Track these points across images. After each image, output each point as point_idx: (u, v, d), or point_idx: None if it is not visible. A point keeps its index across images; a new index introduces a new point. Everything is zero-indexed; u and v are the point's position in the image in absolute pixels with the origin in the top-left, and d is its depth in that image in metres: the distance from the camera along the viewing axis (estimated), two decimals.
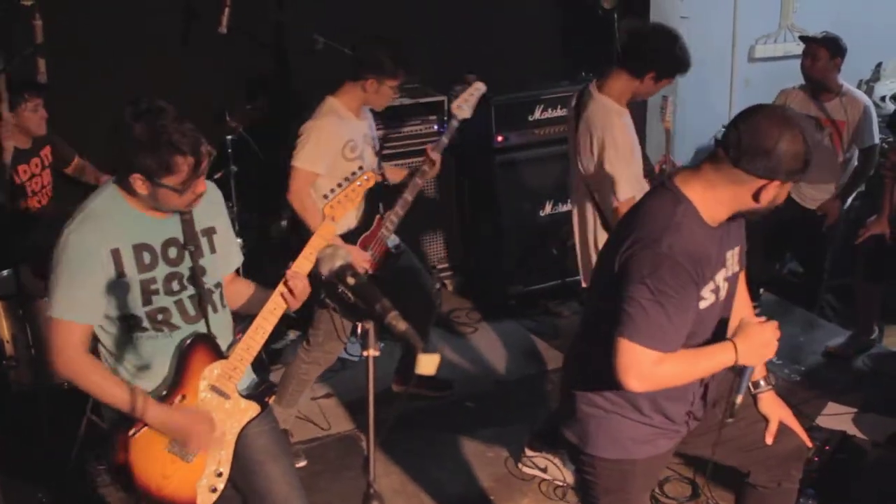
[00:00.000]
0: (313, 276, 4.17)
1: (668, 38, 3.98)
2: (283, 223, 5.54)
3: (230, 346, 2.94)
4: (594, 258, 4.15)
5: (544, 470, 4.25)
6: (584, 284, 4.30)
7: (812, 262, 5.80)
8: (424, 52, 5.87)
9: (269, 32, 5.76)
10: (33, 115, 4.65)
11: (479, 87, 4.53)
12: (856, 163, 5.43)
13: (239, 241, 5.06)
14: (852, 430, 4.47)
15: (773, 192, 2.54)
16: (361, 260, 4.25)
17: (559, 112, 5.90)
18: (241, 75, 5.61)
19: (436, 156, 4.38)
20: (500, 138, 5.84)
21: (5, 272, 4.55)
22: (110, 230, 2.72)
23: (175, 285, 2.83)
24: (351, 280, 1.99)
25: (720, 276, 2.69)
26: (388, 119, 5.55)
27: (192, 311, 2.87)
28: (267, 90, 5.65)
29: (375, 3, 5.79)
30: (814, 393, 4.85)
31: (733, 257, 2.78)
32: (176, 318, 2.84)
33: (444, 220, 6.17)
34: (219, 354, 2.89)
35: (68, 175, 5.07)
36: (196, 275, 2.85)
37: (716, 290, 2.68)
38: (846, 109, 5.34)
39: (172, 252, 2.82)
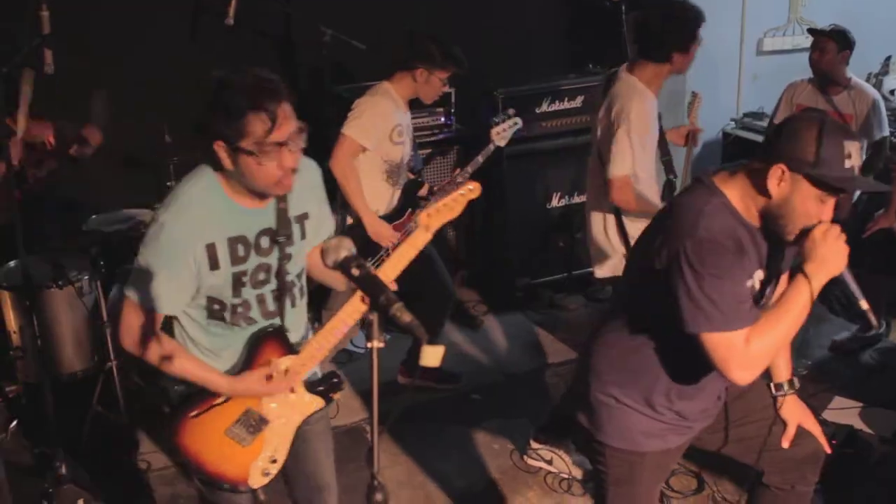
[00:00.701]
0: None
1: (668, 15, 3.93)
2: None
3: (302, 341, 2.88)
4: (607, 248, 4.13)
5: (550, 462, 4.26)
6: (596, 274, 4.26)
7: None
8: None
9: (276, 24, 5.75)
10: (39, 128, 4.64)
11: (517, 122, 4.81)
12: (864, 156, 5.41)
13: None
14: (859, 424, 4.47)
15: (778, 183, 2.45)
16: (391, 237, 4.44)
17: (566, 104, 5.90)
18: (249, 66, 5.59)
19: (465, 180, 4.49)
20: None
21: (12, 263, 4.56)
22: (207, 224, 2.61)
23: (261, 276, 2.75)
24: (356, 271, 1.99)
25: (756, 277, 2.61)
26: None
27: (271, 305, 2.80)
28: None
29: None
30: (820, 387, 4.85)
31: (777, 261, 2.72)
32: (254, 312, 2.77)
33: None
34: (290, 349, 2.81)
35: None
36: (282, 267, 2.77)
37: (751, 290, 2.60)
38: (854, 103, 5.33)
39: (264, 242, 2.73)
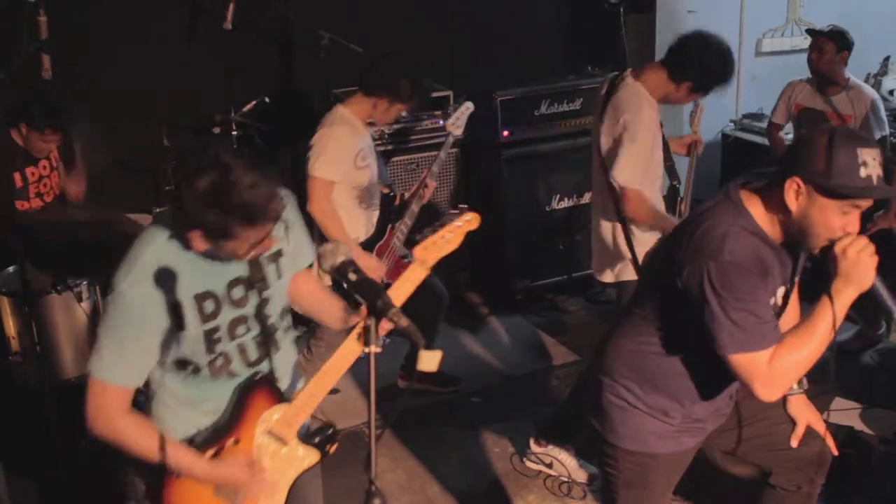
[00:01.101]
0: (334, 284, 4.21)
1: (719, 55, 3.89)
2: None
3: (291, 390, 2.74)
4: (614, 253, 4.12)
5: (549, 465, 4.25)
6: (602, 279, 4.25)
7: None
8: (431, 47, 5.86)
9: (274, 28, 5.75)
10: (42, 144, 4.65)
11: (468, 107, 4.65)
12: None
13: None
14: (859, 425, 4.45)
15: (796, 197, 2.45)
16: (378, 269, 4.31)
17: (565, 107, 5.89)
18: (247, 71, 5.60)
19: (431, 182, 4.48)
20: (505, 133, 5.82)
21: (11, 269, 4.56)
22: (170, 283, 2.43)
23: (240, 329, 2.58)
24: (353, 276, 1.99)
25: (779, 294, 2.64)
26: None
27: (253, 354, 2.63)
28: (272, 86, 5.65)
29: None
30: (821, 388, 4.82)
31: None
32: (236, 364, 2.60)
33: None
34: (280, 398, 2.65)
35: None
36: (261, 312, 2.61)
37: (774, 307, 2.63)
38: (853, 103, 5.33)
39: (237, 293, 2.55)
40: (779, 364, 2.50)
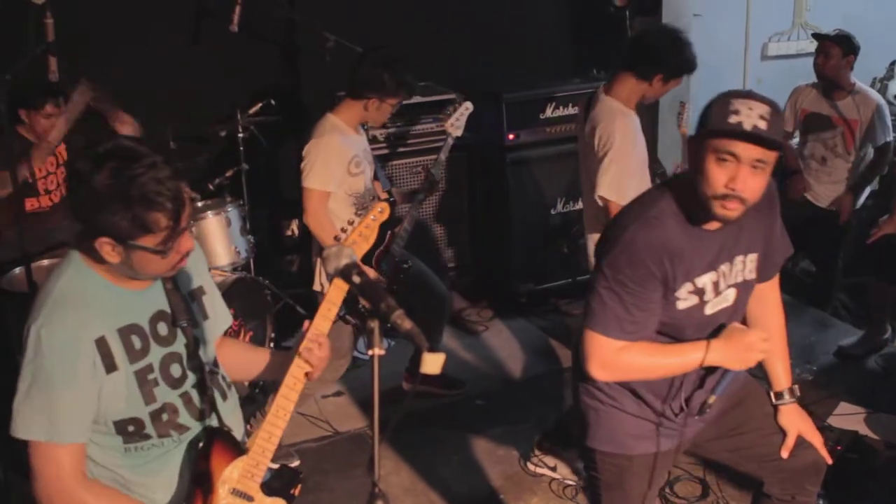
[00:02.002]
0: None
1: (673, 38, 3.94)
2: (295, 230, 5.58)
3: (245, 439, 2.56)
4: None
5: (554, 469, 4.25)
6: None
7: (825, 261, 5.78)
8: (436, 50, 5.87)
9: (280, 31, 5.77)
10: (46, 121, 4.65)
11: (468, 107, 4.67)
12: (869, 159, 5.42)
13: (250, 238, 5.08)
14: (864, 430, 4.45)
15: (691, 154, 2.52)
16: (373, 275, 4.30)
17: (570, 110, 5.89)
18: (253, 73, 5.61)
19: (434, 179, 4.50)
20: (511, 136, 5.83)
21: (17, 270, 4.56)
22: (88, 315, 2.20)
23: (175, 370, 2.36)
24: (357, 279, 1.99)
25: (706, 279, 2.62)
26: (399, 117, 5.56)
27: (199, 403, 2.42)
28: (278, 88, 5.66)
29: (387, 2, 5.79)
30: (825, 392, 4.83)
31: (744, 264, 2.71)
32: (184, 417, 2.39)
33: (456, 217, 6.16)
34: (238, 450, 2.45)
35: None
36: (195, 355, 2.40)
37: (698, 293, 2.62)
38: (859, 108, 5.33)
39: (162, 329, 2.34)
40: (629, 357, 2.59)
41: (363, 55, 4.33)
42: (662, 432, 2.82)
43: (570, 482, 4.20)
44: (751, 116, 2.38)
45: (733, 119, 2.39)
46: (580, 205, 5.94)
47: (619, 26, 6.28)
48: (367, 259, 4.25)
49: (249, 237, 5.08)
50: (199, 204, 5.01)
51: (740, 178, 2.41)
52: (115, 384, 2.22)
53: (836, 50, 5.30)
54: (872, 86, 6.29)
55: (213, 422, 2.45)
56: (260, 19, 5.37)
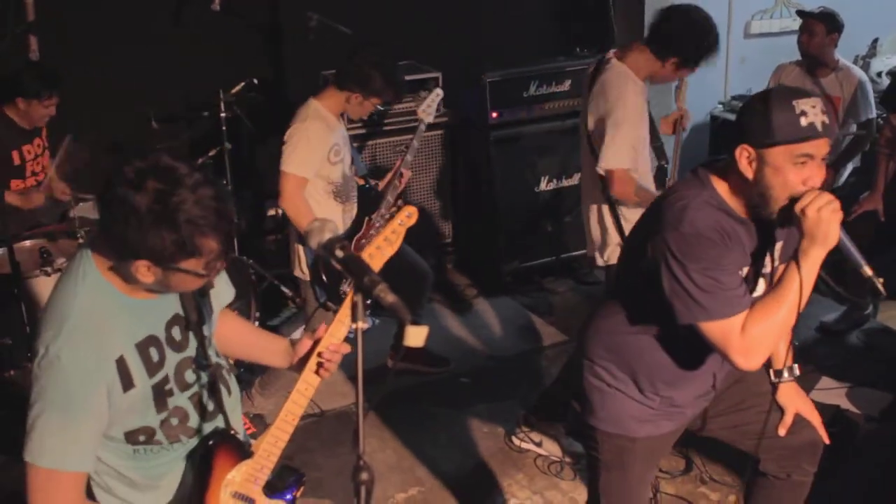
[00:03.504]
0: (314, 278, 4.20)
1: (700, 28, 3.90)
2: (279, 210, 5.57)
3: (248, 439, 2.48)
4: (605, 236, 4.14)
5: (539, 444, 4.27)
6: (597, 263, 4.25)
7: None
8: (419, 29, 5.86)
9: (262, 9, 5.74)
10: (44, 111, 4.64)
11: (438, 93, 4.65)
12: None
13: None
14: (846, 404, 4.49)
15: (749, 164, 2.46)
16: None
17: (554, 88, 5.89)
18: (235, 53, 5.59)
19: (406, 171, 4.45)
20: (494, 115, 5.82)
21: (0, 250, 4.54)
22: (110, 334, 2.10)
23: (189, 375, 2.29)
24: (339, 252, 1.99)
25: (747, 271, 2.60)
26: None
27: (209, 404, 2.35)
28: (260, 68, 5.64)
29: None
30: (808, 367, 4.85)
31: (773, 255, 2.71)
32: (193, 420, 2.32)
33: (440, 196, 6.16)
34: (242, 453, 2.39)
35: None
36: (205, 353, 2.32)
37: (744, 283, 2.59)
38: (842, 85, 5.35)
39: (176, 333, 2.26)
40: (752, 331, 2.47)
41: (358, 48, 4.27)
42: (667, 416, 2.83)
43: (555, 458, 4.23)
44: (817, 114, 2.39)
45: (805, 122, 2.38)
46: (565, 183, 5.98)
47: (604, 5, 6.27)
48: None
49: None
50: None
51: (817, 175, 2.44)
52: (130, 401, 2.14)
53: (820, 28, 5.31)
54: (854, 63, 6.31)
55: (220, 422, 2.39)
56: None
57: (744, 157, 2.46)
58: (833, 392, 4.60)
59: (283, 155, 4.12)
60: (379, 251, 2.50)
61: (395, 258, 4.38)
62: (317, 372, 2.38)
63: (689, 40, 3.89)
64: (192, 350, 2.29)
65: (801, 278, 2.44)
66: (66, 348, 2.03)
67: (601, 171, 3.92)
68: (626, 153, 3.89)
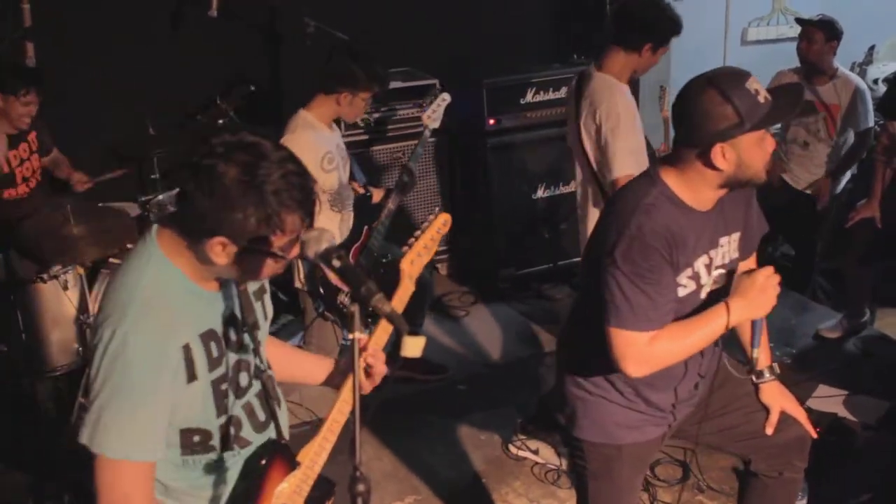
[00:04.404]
0: (312, 288, 4.18)
1: (655, 4, 3.97)
2: None
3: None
4: None
5: (536, 452, 4.26)
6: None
7: (804, 245, 5.81)
8: (417, 35, 5.86)
9: (260, 16, 5.73)
10: (23, 108, 4.61)
11: (445, 98, 4.67)
12: (850, 144, 5.45)
13: None
14: (843, 412, 4.49)
15: (725, 158, 2.48)
16: None
17: (551, 95, 5.89)
18: (233, 58, 5.59)
19: (411, 171, 4.47)
20: (492, 121, 5.82)
21: None
22: (176, 320, 2.03)
23: (243, 378, 2.22)
24: (336, 262, 1.99)
25: (700, 263, 2.64)
26: (379, 102, 5.54)
27: (262, 414, 2.29)
28: (258, 74, 5.63)
29: None
30: (805, 375, 4.86)
31: (729, 244, 2.73)
32: (246, 430, 2.25)
33: (437, 203, 6.16)
34: (292, 464, 2.31)
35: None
36: (260, 360, 2.26)
37: (695, 278, 2.64)
38: (839, 93, 5.36)
39: (232, 333, 2.18)
40: (659, 348, 2.54)
41: (332, 50, 4.29)
42: (652, 421, 2.83)
43: (552, 466, 4.22)
44: (760, 86, 2.48)
45: (762, 99, 2.46)
46: (562, 190, 5.98)
47: (600, 11, 6.27)
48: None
49: None
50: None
51: (771, 140, 2.55)
52: (192, 395, 2.07)
53: (819, 35, 5.31)
54: (851, 70, 6.31)
55: (272, 433, 2.33)
56: (240, 4, 5.34)
57: (719, 156, 2.49)
58: (830, 400, 4.60)
59: None
60: (419, 258, 2.52)
61: (395, 269, 4.38)
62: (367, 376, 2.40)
63: (650, 20, 3.94)
64: (247, 353, 2.23)
65: (725, 325, 2.58)
66: (132, 333, 1.97)
67: (614, 182, 3.94)
68: (628, 158, 3.91)
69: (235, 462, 2.26)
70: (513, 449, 4.32)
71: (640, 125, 4.04)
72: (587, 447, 2.85)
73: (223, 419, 2.17)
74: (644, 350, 2.53)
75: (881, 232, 4.96)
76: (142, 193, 5.08)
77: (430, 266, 5.91)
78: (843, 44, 5.42)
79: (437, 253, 6.27)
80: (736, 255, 2.78)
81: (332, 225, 4.29)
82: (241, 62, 5.62)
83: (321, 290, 4.13)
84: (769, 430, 2.96)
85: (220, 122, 5.16)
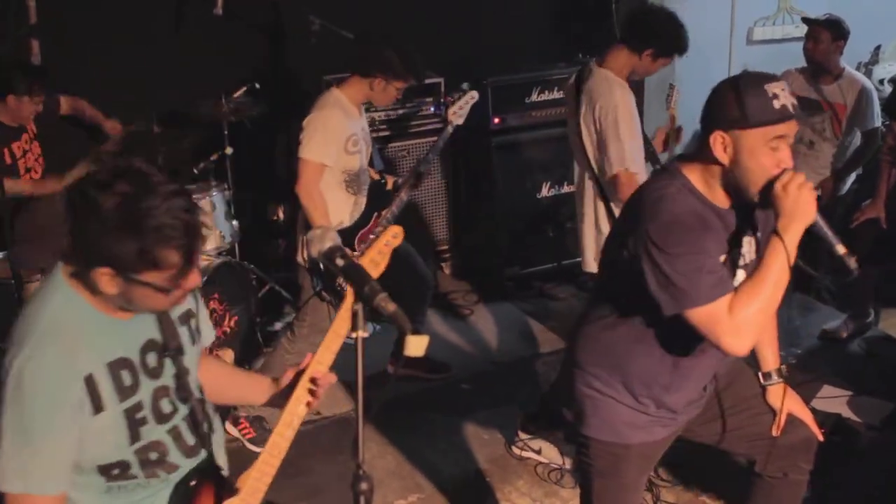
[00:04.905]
0: (309, 267, 4.19)
1: (667, 17, 4.04)
2: (280, 215, 5.56)
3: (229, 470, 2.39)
4: (596, 237, 4.14)
5: (538, 452, 4.26)
6: (584, 269, 4.28)
7: (809, 246, 5.79)
8: (421, 33, 5.84)
9: (265, 14, 5.73)
10: (32, 108, 4.63)
11: (473, 96, 4.66)
12: (857, 144, 5.44)
13: (235, 222, 5.06)
14: (847, 412, 4.48)
15: (724, 150, 2.47)
16: None
17: (556, 94, 5.89)
18: (238, 57, 5.58)
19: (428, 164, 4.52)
20: (496, 120, 5.82)
21: (0, 254, 4.53)
22: (79, 349, 1.99)
23: (166, 406, 2.17)
24: (340, 261, 1.98)
25: (725, 260, 2.61)
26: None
27: (190, 439, 2.24)
28: (263, 72, 5.63)
29: None
30: (809, 375, 4.85)
31: (750, 244, 2.70)
32: (174, 455, 2.20)
33: (441, 202, 6.16)
34: (228, 491, 2.24)
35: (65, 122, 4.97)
36: (183, 385, 2.20)
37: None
38: (844, 93, 5.35)
39: (151, 360, 2.14)
40: (742, 313, 2.45)
41: (376, 35, 4.31)
42: (660, 422, 2.82)
43: (556, 465, 4.21)
44: (787, 97, 2.44)
45: (777, 104, 2.42)
46: (566, 189, 5.97)
47: (605, 10, 6.27)
48: (349, 240, 4.23)
49: (234, 222, 5.06)
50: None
51: (788, 156, 2.47)
52: (100, 426, 2.03)
53: (825, 35, 5.30)
54: (857, 70, 6.30)
55: (204, 457, 2.28)
56: (245, 2, 5.34)
57: (718, 143, 2.48)
58: (834, 400, 4.59)
59: (300, 142, 4.14)
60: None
61: (399, 265, 4.38)
62: (307, 403, 2.28)
63: (659, 29, 4.00)
64: (167, 379, 2.17)
65: (787, 253, 2.45)
66: (31, 362, 1.94)
67: (612, 178, 3.94)
68: (625, 154, 3.93)
69: (163, 488, 2.21)
70: (515, 450, 4.32)
71: (637, 122, 4.05)
72: (595, 445, 2.84)
73: (139, 445, 2.12)
74: (730, 321, 2.44)
75: (886, 232, 4.95)
76: None
77: (434, 264, 5.93)
78: (848, 44, 5.40)
79: (440, 252, 6.32)
80: (754, 255, 2.74)
81: (345, 206, 4.30)
82: (245, 60, 5.61)
83: (321, 269, 4.13)
84: (776, 432, 2.96)
85: (225, 120, 5.17)
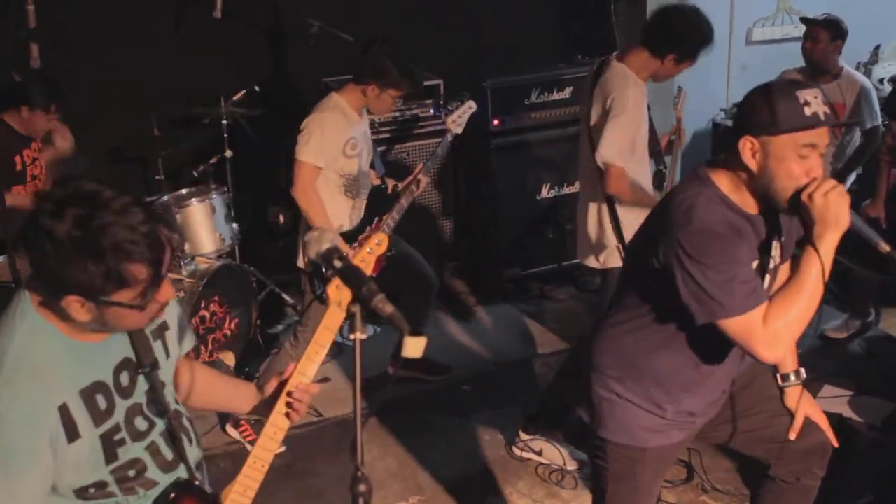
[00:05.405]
0: (314, 270, 4.18)
1: (691, 20, 3.98)
2: (281, 218, 5.56)
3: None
4: (601, 238, 4.14)
5: (540, 453, 4.26)
6: (587, 264, 4.27)
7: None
8: (421, 34, 5.85)
9: (264, 16, 5.74)
10: (44, 124, 4.64)
11: (471, 105, 4.68)
12: (856, 144, 5.44)
13: (235, 225, 5.06)
14: (848, 412, 4.48)
15: (753, 155, 2.44)
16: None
17: (556, 95, 5.89)
18: (237, 60, 5.59)
19: (423, 177, 4.50)
20: (496, 122, 5.82)
21: (0, 258, 4.54)
22: (50, 380, 1.94)
23: (141, 423, 2.12)
24: (338, 263, 1.98)
25: (755, 267, 2.59)
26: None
27: (169, 453, 2.20)
28: (262, 75, 5.64)
29: None
30: (810, 375, 4.82)
31: (777, 249, 2.69)
32: (152, 471, 2.15)
33: (441, 203, 6.16)
34: (204, 501, 2.23)
35: None
36: (159, 399, 2.15)
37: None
38: (843, 92, 5.34)
39: (124, 379, 2.09)
40: (776, 323, 2.43)
41: (374, 41, 4.31)
42: (676, 426, 2.81)
43: (557, 467, 4.21)
44: (819, 104, 2.41)
45: (808, 111, 2.39)
46: (566, 190, 5.97)
47: (605, 12, 6.27)
48: (350, 244, 4.23)
49: (234, 224, 5.07)
50: (184, 191, 5.00)
51: (818, 164, 2.44)
52: (77, 453, 1.99)
53: (824, 34, 5.29)
54: (856, 70, 6.29)
55: (183, 473, 2.23)
56: (244, 5, 5.34)
57: (747, 149, 2.45)
58: (835, 401, 4.58)
59: (297, 143, 4.15)
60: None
61: (401, 267, 4.40)
62: (286, 415, 2.22)
63: (684, 33, 3.96)
64: (139, 396, 2.12)
65: (822, 264, 2.42)
66: (5, 395, 1.89)
67: (599, 163, 3.94)
68: (622, 149, 3.93)
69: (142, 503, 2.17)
70: (516, 451, 4.32)
71: (646, 120, 4.05)
72: (611, 448, 2.82)
73: (115, 465, 2.08)
74: (765, 332, 2.43)
75: (886, 232, 4.94)
76: (146, 194, 5.09)
77: (438, 264, 5.92)
78: (848, 43, 5.40)
79: (441, 253, 6.28)
80: (779, 260, 2.72)
81: (344, 210, 4.33)
82: (245, 63, 5.62)
83: (322, 273, 4.13)
84: (792, 436, 2.93)
85: (225, 122, 5.17)
